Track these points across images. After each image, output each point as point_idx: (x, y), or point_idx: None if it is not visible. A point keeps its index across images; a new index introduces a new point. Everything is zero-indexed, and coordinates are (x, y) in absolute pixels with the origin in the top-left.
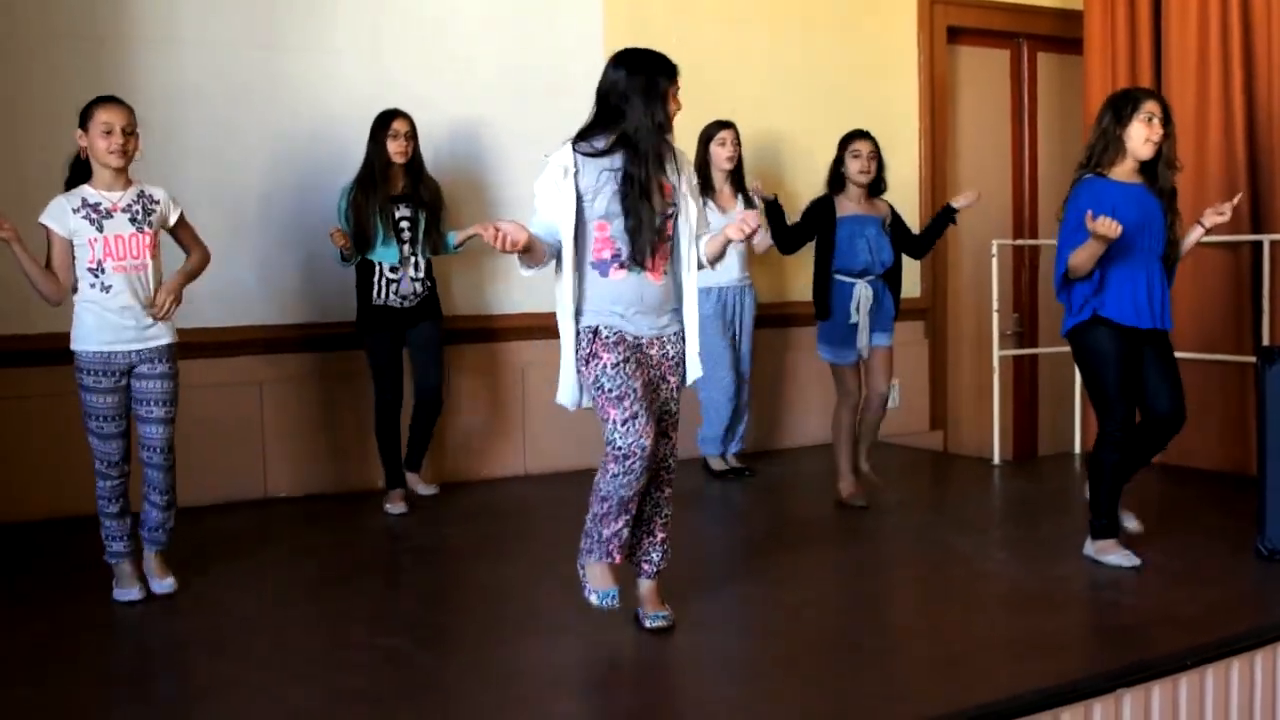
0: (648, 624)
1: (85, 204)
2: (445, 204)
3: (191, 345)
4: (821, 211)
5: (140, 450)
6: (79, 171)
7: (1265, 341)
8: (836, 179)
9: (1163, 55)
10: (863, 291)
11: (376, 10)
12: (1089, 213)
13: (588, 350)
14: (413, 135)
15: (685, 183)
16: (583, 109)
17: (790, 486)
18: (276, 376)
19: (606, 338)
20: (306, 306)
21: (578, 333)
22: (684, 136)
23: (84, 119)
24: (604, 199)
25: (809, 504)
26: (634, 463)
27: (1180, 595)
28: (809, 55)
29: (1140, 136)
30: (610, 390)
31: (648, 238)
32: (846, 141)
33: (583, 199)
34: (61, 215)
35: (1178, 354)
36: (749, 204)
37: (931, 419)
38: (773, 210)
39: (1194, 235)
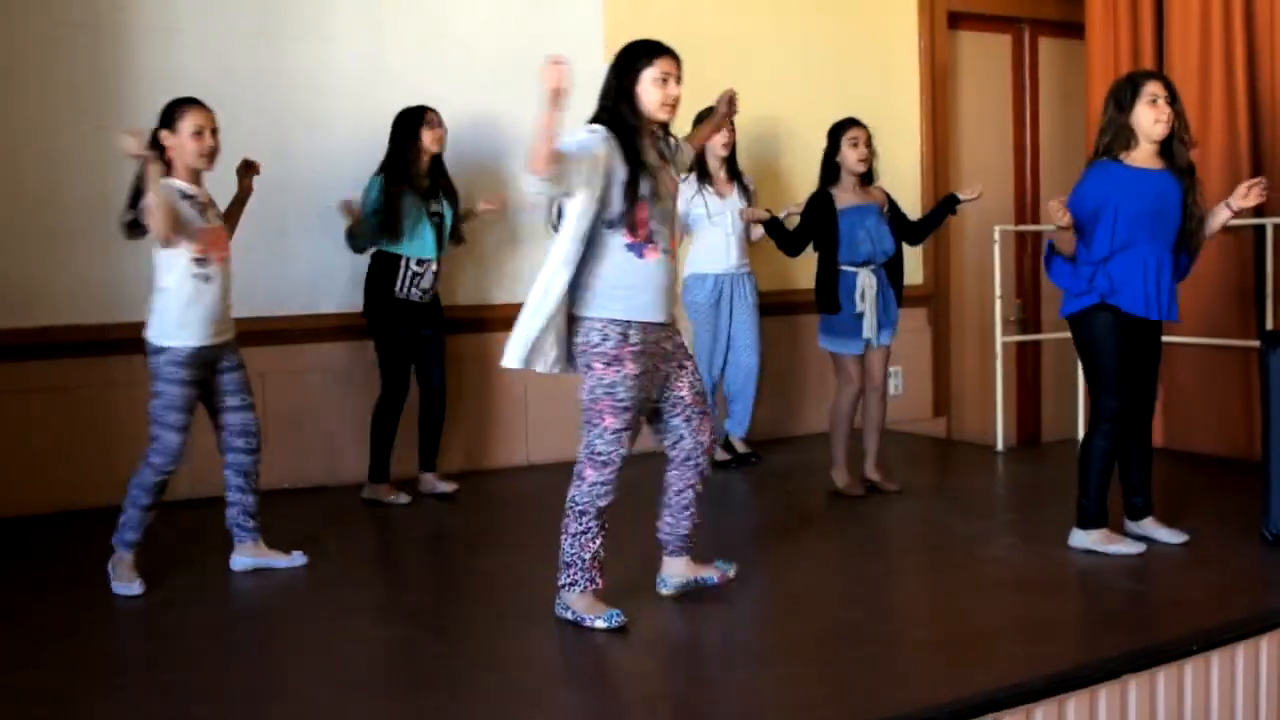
0: (731, 574)
1: (185, 195)
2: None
3: None
4: (822, 207)
5: (232, 440)
6: None
7: (1268, 326)
8: (831, 170)
9: (1165, 40)
10: (866, 280)
11: None
12: (1056, 199)
13: (615, 350)
14: (443, 127)
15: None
16: (579, 95)
17: (794, 474)
18: (276, 368)
19: (634, 343)
20: (305, 297)
21: (606, 321)
22: (680, 122)
23: (170, 119)
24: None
25: (813, 491)
26: (612, 472)
27: (1185, 580)
28: (809, 41)
29: (1149, 119)
30: (622, 400)
31: (632, 211)
32: (842, 130)
33: (614, 175)
34: (173, 197)
35: (1180, 338)
36: (744, 190)
37: (934, 406)
38: (773, 227)
39: (1219, 218)
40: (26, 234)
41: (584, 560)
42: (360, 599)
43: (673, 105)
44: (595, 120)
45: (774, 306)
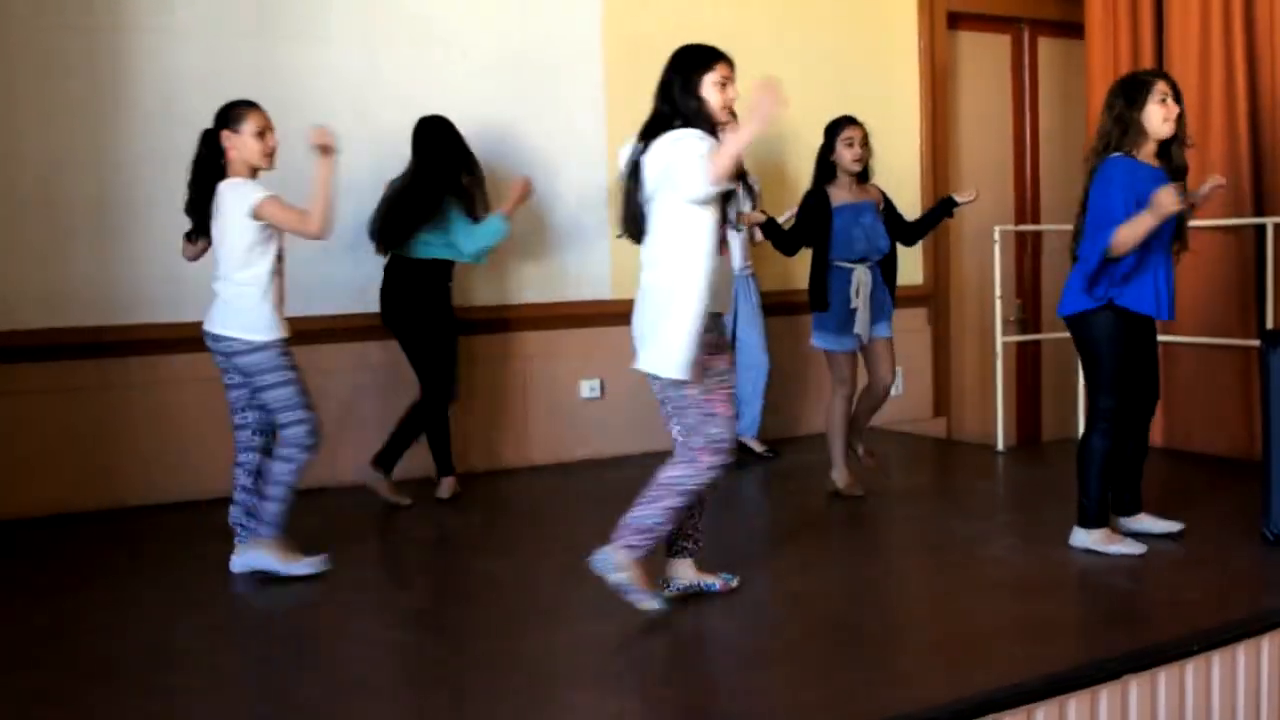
0: (734, 584)
1: None
2: None
3: (184, 340)
4: (818, 205)
5: (256, 439)
6: (212, 167)
7: (1268, 325)
8: (826, 168)
9: (1164, 40)
10: (861, 276)
11: None
12: (1169, 187)
13: (712, 339)
14: None
15: None
16: (579, 92)
17: (795, 474)
18: None
19: (715, 332)
20: (303, 299)
21: (717, 315)
22: None
23: (231, 120)
24: None
25: (813, 492)
26: (728, 455)
27: (1185, 580)
28: (809, 40)
29: (1159, 117)
30: (728, 385)
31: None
32: (837, 129)
33: None
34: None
35: (1180, 337)
36: (749, 191)
37: (935, 406)
38: (769, 228)
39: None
40: (25, 235)
41: (661, 531)
42: (361, 600)
43: (731, 109)
44: (662, 123)
45: (775, 307)
